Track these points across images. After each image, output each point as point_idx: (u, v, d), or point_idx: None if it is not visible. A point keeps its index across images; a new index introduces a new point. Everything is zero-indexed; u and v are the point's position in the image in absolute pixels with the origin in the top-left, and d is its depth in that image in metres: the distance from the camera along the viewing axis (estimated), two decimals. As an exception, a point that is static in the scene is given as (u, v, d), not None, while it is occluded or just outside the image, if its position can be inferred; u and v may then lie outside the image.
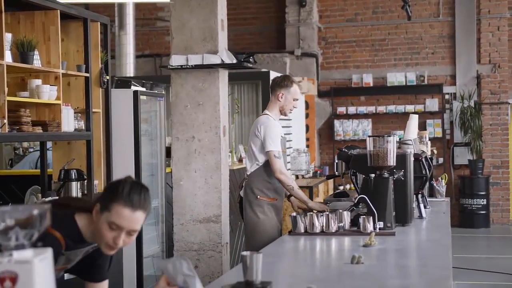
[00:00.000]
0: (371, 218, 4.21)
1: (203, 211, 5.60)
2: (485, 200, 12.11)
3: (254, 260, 2.75)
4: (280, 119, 5.32)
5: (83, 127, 5.66)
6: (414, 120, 5.60)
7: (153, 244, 6.73)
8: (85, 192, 5.66)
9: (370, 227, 4.18)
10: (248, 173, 5.25)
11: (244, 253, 2.74)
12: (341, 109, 12.86)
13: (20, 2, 5.07)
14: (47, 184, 5.68)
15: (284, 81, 5.28)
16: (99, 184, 5.93)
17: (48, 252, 1.83)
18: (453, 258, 8.68)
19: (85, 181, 5.67)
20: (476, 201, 12.09)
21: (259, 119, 5.29)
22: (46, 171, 5.76)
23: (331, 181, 11.22)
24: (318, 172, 11.05)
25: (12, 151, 9.13)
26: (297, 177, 10.43)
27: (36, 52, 5.02)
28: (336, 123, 12.84)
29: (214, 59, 5.61)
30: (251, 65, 5.95)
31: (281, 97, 5.25)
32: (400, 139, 5.47)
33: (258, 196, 5.17)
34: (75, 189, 5.56)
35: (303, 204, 5.20)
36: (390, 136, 4.44)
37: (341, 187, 11.38)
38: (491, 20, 12.49)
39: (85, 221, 2.67)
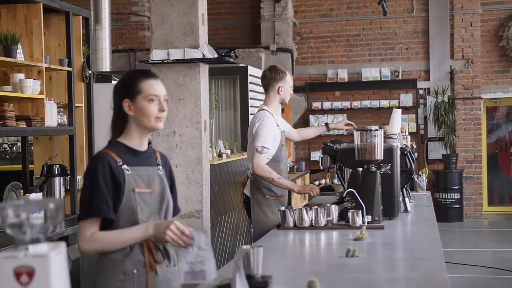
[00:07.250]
0: (360, 212, 4.23)
1: (185, 206, 5.58)
2: (458, 194, 12.25)
3: (255, 254, 2.75)
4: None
5: (66, 122, 5.59)
6: (397, 114, 5.64)
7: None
8: (68, 187, 5.59)
9: (359, 221, 4.20)
10: (253, 172, 5.13)
11: (245, 247, 2.74)
12: (316, 104, 12.90)
13: (2, -5, 5.01)
14: (29, 179, 5.60)
15: (279, 74, 5.21)
16: (81, 180, 5.86)
17: (62, 247, 1.81)
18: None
19: (68, 176, 5.61)
20: (450, 195, 12.21)
21: (257, 115, 5.16)
22: (28, 166, 5.68)
23: (307, 176, 11.28)
24: (295, 167, 11.10)
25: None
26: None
27: (19, 46, 4.96)
28: (312, 118, 12.87)
29: (196, 54, 5.58)
30: (232, 60, 5.94)
31: (281, 90, 5.19)
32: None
33: (267, 196, 5.10)
34: (58, 185, 5.49)
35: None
36: (377, 130, 4.46)
37: (317, 182, 11.44)
38: (464, 15, 12.61)
39: (123, 137, 2.85)
